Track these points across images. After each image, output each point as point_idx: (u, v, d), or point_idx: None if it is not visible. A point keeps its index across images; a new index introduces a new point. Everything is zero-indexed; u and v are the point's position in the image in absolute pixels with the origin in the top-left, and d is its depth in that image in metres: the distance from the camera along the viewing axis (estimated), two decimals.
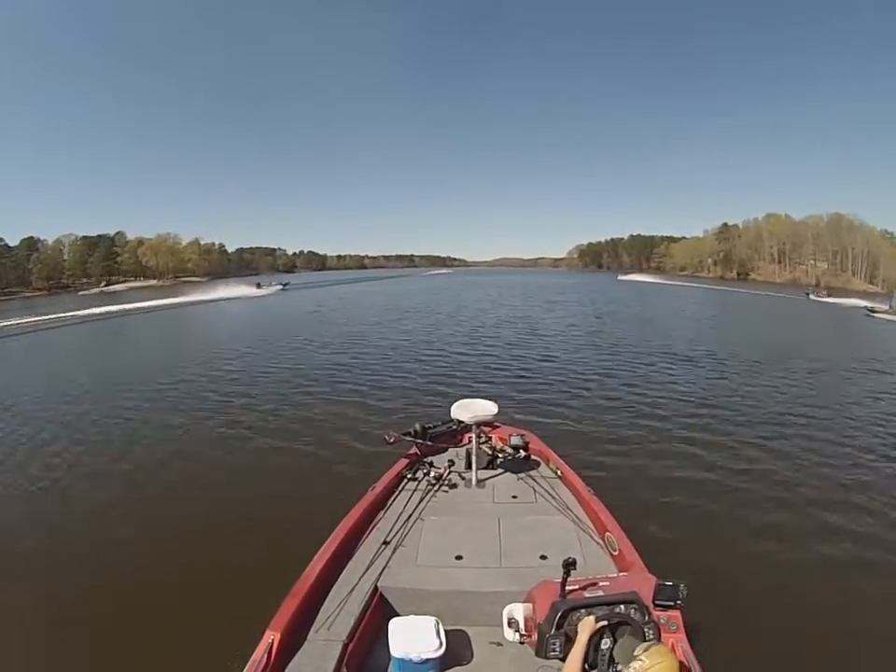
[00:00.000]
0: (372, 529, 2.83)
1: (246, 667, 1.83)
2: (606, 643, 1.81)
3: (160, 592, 3.40)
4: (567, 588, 1.95)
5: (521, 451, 3.64)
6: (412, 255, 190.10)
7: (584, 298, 32.47)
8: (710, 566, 3.60)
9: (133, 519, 4.54)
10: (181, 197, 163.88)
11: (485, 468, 3.62)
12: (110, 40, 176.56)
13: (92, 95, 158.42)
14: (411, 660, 1.94)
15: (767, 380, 9.83)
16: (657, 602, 1.96)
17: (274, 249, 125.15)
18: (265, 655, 1.86)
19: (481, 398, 3.69)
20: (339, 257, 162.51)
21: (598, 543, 2.70)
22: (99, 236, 72.53)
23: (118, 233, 74.66)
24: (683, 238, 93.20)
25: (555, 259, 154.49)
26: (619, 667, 1.73)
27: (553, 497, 3.17)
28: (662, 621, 1.96)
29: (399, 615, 2.21)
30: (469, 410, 3.45)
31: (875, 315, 24.50)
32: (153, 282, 67.14)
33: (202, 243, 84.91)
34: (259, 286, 42.89)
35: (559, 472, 3.53)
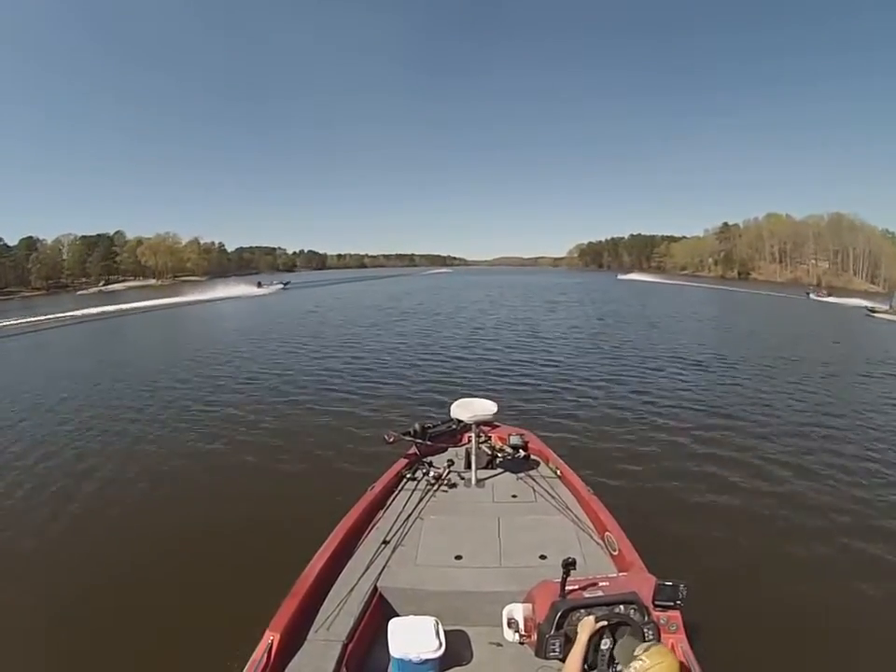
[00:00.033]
0: (372, 529, 2.83)
1: (246, 667, 1.83)
2: (605, 643, 1.81)
3: (160, 592, 3.40)
4: (567, 588, 1.95)
5: (520, 450, 3.65)
6: (412, 254, 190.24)
7: (585, 298, 32.40)
8: (710, 566, 3.61)
9: (133, 519, 4.55)
10: (181, 197, 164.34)
11: (485, 467, 3.62)
12: (110, 40, 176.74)
13: (92, 95, 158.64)
14: (410, 660, 1.94)
15: (765, 379, 9.83)
16: (657, 602, 1.96)
17: (274, 249, 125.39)
18: (265, 655, 1.86)
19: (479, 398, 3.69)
20: (339, 256, 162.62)
21: (598, 543, 2.70)
22: (98, 236, 72.45)
23: (117, 233, 74.67)
24: (684, 238, 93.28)
25: (555, 259, 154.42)
26: (619, 667, 1.73)
27: (553, 497, 3.17)
28: (661, 621, 1.96)
29: (398, 615, 2.21)
30: (469, 409, 3.45)
31: (876, 315, 24.48)
32: (152, 281, 67.10)
33: (201, 242, 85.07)
34: (260, 284, 42.97)
35: (559, 472, 3.53)
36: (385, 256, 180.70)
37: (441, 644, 1.98)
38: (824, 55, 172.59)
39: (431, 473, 3.41)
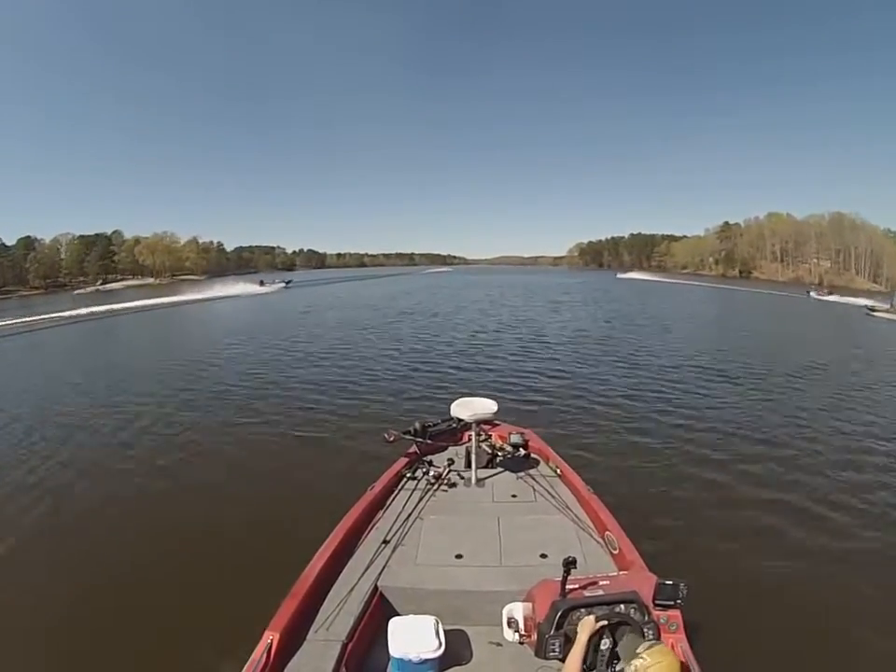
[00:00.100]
0: (372, 529, 2.83)
1: (245, 667, 1.83)
2: (605, 643, 1.81)
3: (160, 592, 3.40)
4: (568, 587, 1.95)
5: (520, 449, 3.65)
6: (412, 253, 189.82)
7: (588, 297, 32.24)
8: (710, 565, 3.60)
9: (133, 519, 4.54)
10: (181, 197, 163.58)
11: (485, 466, 3.62)
12: (110, 40, 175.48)
13: (92, 95, 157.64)
14: (410, 660, 1.94)
15: (765, 379, 9.82)
16: (657, 601, 1.96)
17: (273, 248, 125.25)
18: (264, 655, 1.86)
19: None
20: (338, 255, 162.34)
21: (598, 542, 2.70)
22: (96, 235, 72.40)
23: (114, 232, 74.59)
24: (684, 237, 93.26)
25: (555, 258, 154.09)
26: (620, 666, 1.73)
27: (553, 496, 3.17)
28: (662, 620, 1.96)
29: (398, 614, 2.21)
30: (469, 408, 3.44)
31: (876, 314, 24.47)
32: (150, 280, 66.97)
33: (199, 241, 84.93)
34: (262, 283, 43.07)
35: (559, 471, 3.52)
36: (384, 255, 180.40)
37: (440, 644, 1.98)
38: (824, 55, 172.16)
39: (431, 472, 3.41)
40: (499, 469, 3.62)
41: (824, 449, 6.11)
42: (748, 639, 2.98)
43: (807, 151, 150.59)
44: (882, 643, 2.99)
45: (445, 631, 2.05)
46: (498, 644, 2.17)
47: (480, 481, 3.43)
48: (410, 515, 2.94)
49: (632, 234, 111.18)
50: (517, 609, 2.02)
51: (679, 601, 1.97)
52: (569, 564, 1.91)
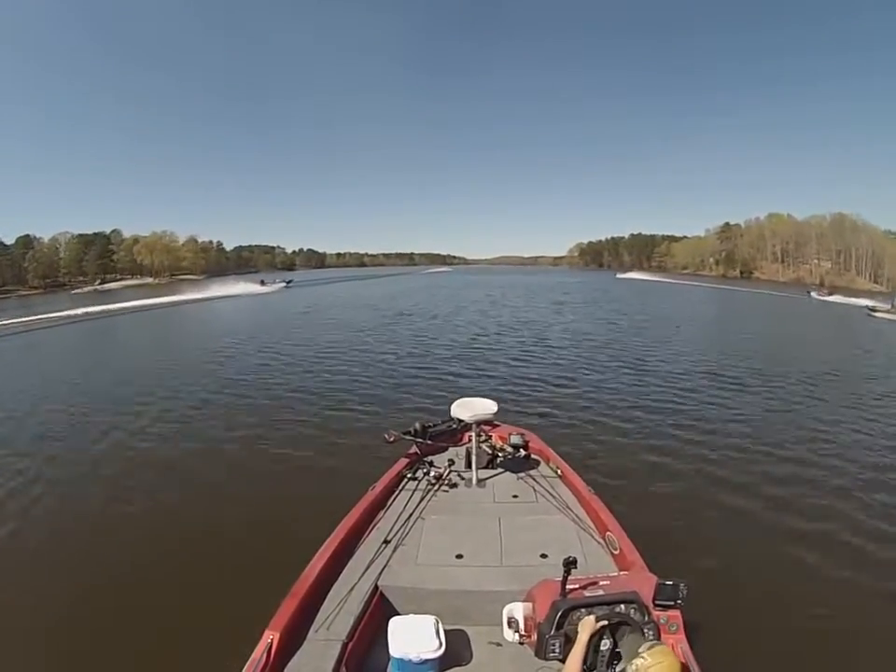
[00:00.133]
0: (373, 529, 2.83)
1: (245, 667, 1.83)
2: (605, 644, 1.81)
3: (160, 592, 3.40)
4: (568, 587, 1.95)
5: (521, 450, 3.65)
6: (412, 253, 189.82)
7: (588, 297, 32.23)
8: (710, 566, 3.60)
9: (133, 518, 4.54)
10: (181, 197, 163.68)
11: (485, 467, 3.62)
12: (110, 40, 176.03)
13: (92, 95, 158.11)
14: (410, 660, 1.93)
15: (764, 378, 9.81)
16: (657, 602, 1.96)
17: (273, 247, 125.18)
18: (264, 655, 1.86)
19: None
20: (338, 255, 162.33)
21: (599, 542, 2.70)
22: (95, 234, 72.29)
23: (113, 231, 74.47)
24: (685, 237, 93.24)
25: (555, 258, 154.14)
26: (620, 665, 1.73)
27: (554, 496, 3.17)
28: (662, 621, 1.96)
29: (399, 614, 2.21)
30: (469, 408, 3.44)
31: (876, 314, 24.47)
32: (149, 280, 66.89)
33: (199, 241, 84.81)
34: (263, 283, 43.08)
35: (559, 471, 3.52)
36: (384, 255, 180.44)
37: (440, 644, 1.98)
38: (824, 55, 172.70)
39: (432, 473, 3.41)
40: (500, 470, 3.62)
41: (824, 448, 6.11)
42: (748, 639, 2.98)
43: (808, 151, 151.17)
44: (882, 643, 3.00)
45: (445, 631, 2.05)
46: (499, 644, 2.17)
47: (480, 481, 3.43)
48: (410, 515, 2.94)
49: (632, 235, 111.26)
50: (517, 609, 2.02)
51: (679, 601, 1.98)
52: (570, 564, 1.91)
